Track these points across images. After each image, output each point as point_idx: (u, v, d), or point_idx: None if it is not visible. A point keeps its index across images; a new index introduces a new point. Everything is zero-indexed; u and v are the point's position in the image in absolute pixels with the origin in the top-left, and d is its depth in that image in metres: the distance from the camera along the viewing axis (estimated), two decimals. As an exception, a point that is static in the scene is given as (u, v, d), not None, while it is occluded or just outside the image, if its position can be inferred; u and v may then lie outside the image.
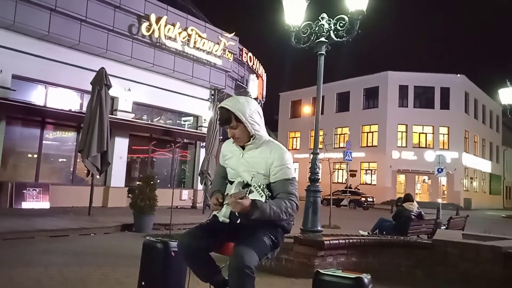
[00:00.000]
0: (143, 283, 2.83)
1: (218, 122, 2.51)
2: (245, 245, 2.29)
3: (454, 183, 35.31)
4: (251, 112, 2.50)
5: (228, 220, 2.53)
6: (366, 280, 2.02)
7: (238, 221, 2.49)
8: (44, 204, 12.17)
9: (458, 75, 36.96)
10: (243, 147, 2.60)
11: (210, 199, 2.69)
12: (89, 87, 10.79)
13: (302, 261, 5.37)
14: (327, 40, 6.80)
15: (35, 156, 13.08)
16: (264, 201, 2.26)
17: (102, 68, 10.76)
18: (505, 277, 5.01)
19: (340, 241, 5.55)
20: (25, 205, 11.78)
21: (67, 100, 13.64)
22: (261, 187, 2.24)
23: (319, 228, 6.70)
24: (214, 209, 2.60)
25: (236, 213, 2.45)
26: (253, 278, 2.23)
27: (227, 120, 2.49)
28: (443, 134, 36.22)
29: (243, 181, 2.54)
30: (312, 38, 6.88)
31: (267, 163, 2.48)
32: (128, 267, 4.97)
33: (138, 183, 11.33)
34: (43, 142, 13.19)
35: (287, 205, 2.39)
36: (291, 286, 4.82)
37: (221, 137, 14.05)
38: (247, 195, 2.33)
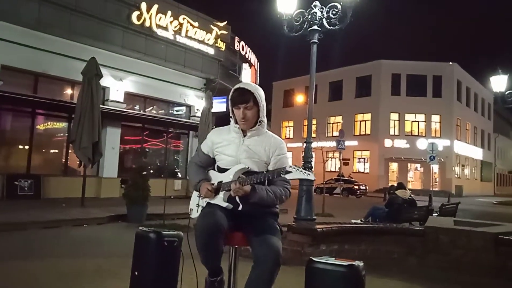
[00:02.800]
0: (136, 273, 2.82)
1: (231, 100, 2.51)
2: (271, 234, 2.38)
3: (446, 170, 35.63)
4: (263, 98, 2.65)
5: (231, 206, 2.53)
6: (359, 267, 2.03)
7: (240, 208, 2.51)
8: (37, 196, 12.10)
9: (450, 63, 37.07)
10: (243, 134, 2.62)
11: (199, 188, 2.66)
12: (80, 77, 10.66)
13: (295, 249, 5.41)
14: (319, 28, 6.77)
15: (27, 147, 12.96)
16: (307, 178, 2.31)
17: (93, 58, 10.63)
18: (496, 262, 5.09)
19: (333, 229, 5.59)
20: (17, 197, 11.69)
21: (57, 91, 13.49)
22: (300, 167, 2.28)
23: (312, 216, 6.73)
24: (207, 195, 2.59)
25: (237, 199, 2.48)
26: (280, 267, 2.32)
27: (246, 100, 2.55)
28: (435, 122, 36.44)
29: (247, 167, 2.54)
30: (304, 26, 6.85)
31: (269, 151, 2.58)
32: (122, 257, 4.95)
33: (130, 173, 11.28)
34: (34, 133, 13.05)
35: (281, 192, 2.49)
36: (284, 274, 4.81)
37: (214, 126, 14.00)
38: (260, 180, 2.38)
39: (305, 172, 2.23)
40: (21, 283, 4.05)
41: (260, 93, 2.60)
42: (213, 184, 2.62)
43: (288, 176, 2.32)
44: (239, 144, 2.62)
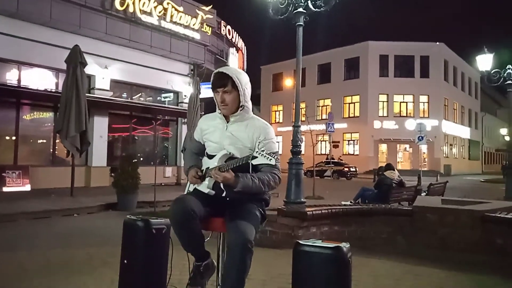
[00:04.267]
0: (125, 261, 2.82)
1: (211, 85, 2.48)
2: (243, 220, 2.32)
3: (435, 150, 36.02)
4: (246, 83, 2.56)
5: (213, 192, 2.53)
6: (345, 249, 2.04)
7: (224, 194, 2.50)
8: (25, 187, 12.00)
9: (437, 43, 37.15)
10: (227, 120, 2.59)
11: (187, 174, 2.68)
12: (64, 66, 10.49)
13: (286, 232, 5.45)
14: (305, 11, 6.71)
15: (13, 138, 12.80)
16: (273, 164, 2.30)
17: (76, 45, 10.43)
18: (483, 239, 5.18)
19: (323, 211, 5.62)
20: (5, 188, 11.59)
21: (42, 80, 13.27)
22: (266, 152, 2.24)
23: (302, 199, 6.78)
24: (193, 181, 2.60)
25: (222, 186, 2.47)
26: (252, 252, 2.26)
27: (224, 84, 2.50)
28: (423, 103, 36.67)
29: (229, 153, 2.53)
30: (290, 8, 6.79)
31: (253, 137, 2.51)
32: (113, 246, 4.93)
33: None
34: (20, 123, 12.87)
35: (269, 178, 2.44)
36: (275, 257, 4.88)
37: (202, 113, 13.93)
38: (234, 165, 2.36)
39: (267, 157, 2.21)
40: (8, 274, 4.02)
41: (240, 77, 2.52)
42: (202, 170, 2.63)
43: (254, 162, 2.29)
44: (223, 130, 2.61)
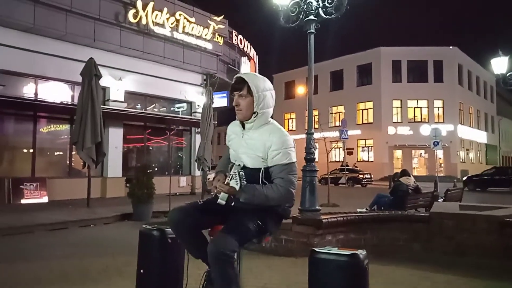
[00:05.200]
0: (141, 271, 2.84)
1: (230, 87, 2.55)
2: (225, 231, 2.32)
3: (451, 155, 35.50)
4: (264, 89, 2.50)
5: (223, 202, 2.52)
6: (361, 256, 2.02)
7: (233, 204, 2.48)
8: (43, 199, 12.17)
9: (451, 47, 36.80)
10: (243, 127, 2.57)
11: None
12: (79, 78, 10.64)
13: (301, 240, 5.42)
14: (316, 18, 6.70)
15: (30, 150, 13.01)
16: (239, 188, 2.34)
17: (91, 58, 10.59)
18: (501, 245, 5.08)
19: (338, 219, 5.58)
20: (23, 200, 11.77)
21: (58, 93, 13.50)
22: (240, 175, 2.31)
23: (317, 207, 6.72)
24: (215, 191, 2.58)
25: (231, 196, 2.46)
26: (231, 263, 2.24)
27: (240, 88, 2.50)
28: (438, 108, 36.25)
29: (238, 164, 2.51)
30: (301, 16, 6.78)
31: (265, 146, 2.42)
32: (128, 256, 4.97)
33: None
34: (37, 136, 13.10)
35: (272, 191, 2.35)
36: (291, 266, 4.86)
37: (216, 122, 14.00)
38: (228, 180, 2.37)
39: (236, 181, 2.34)
40: (25, 283, 4.07)
41: (257, 83, 2.48)
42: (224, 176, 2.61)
43: (231, 183, 2.35)
44: (239, 137, 2.58)
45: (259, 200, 2.34)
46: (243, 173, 2.37)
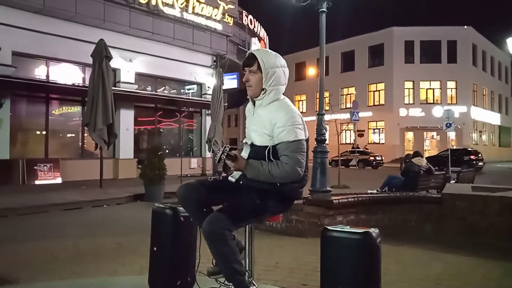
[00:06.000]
0: (154, 248, 2.88)
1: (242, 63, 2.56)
2: (220, 210, 2.34)
3: (463, 137, 35.09)
4: (274, 66, 2.45)
5: (234, 180, 2.53)
6: (374, 234, 2.01)
7: (241, 182, 2.47)
8: (56, 180, 12.35)
9: (465, 26, 36.00)
10: (254, 105, 2.55)
11: None
12: (90, 60, 10.67)
13: (312, 221, 5.44)
14: (328, -4, 6.60)
15: (43, 132, 13.16)
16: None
17: (101, 39, 10.58)
18: (514, 226, 5.04)
19: (349, 199, 5.58)
20: (37, 181, 11.96)
21: (69, 74, 13.57)
22: (227, 151, 2.33)
23: (327, 188, 6.73)
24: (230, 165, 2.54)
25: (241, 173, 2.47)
26: (224, 240, 2.25)
27: (250, 63, 2.47)
28: (451, 89, 35.70)
29: (245, 142, 2.52)
30: (312, -5, 6.68)
31: (271, 123, 2.38)
32: (141, 235, 5.03)
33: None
34: (50, 117, 13.23)
35: (278, 168, 2.30)
36: (302, 246, 4.89)
37: (226, 104, 13.97)
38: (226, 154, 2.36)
39: (218, 152, 2.34)
40: (40, 261, 4.16)
41: (267, 60, 2.43)
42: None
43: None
44: (251, 115, 2.58)
45: (264, 176, 2.32)
46: (227, 149, 2.36)
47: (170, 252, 2.80)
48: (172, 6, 15.11)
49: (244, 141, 2.56)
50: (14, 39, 11.62)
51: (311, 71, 35.67)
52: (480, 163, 24.03)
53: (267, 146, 2.40)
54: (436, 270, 4.05)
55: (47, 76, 13.09)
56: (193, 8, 15.87)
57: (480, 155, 24.72)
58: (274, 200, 2.43)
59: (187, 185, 2.54)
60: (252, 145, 2.48)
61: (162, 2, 14.77)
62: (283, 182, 2.36)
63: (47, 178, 12.24)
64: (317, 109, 6.90)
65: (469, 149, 26.03)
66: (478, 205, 5.34)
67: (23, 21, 11.85)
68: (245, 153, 2.44)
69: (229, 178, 2.54)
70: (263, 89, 2.46)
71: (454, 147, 27.18)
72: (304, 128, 2.43)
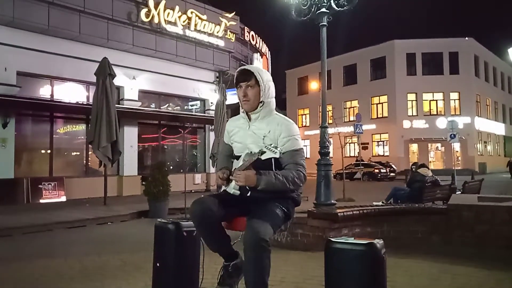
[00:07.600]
0: (158, 264, 2.86)
1: (234, 81, 2.54)
2: (258, 218, 2.29)
3: (468, 148, 34.92)
4: (267, 79, 2.60)
5: (238, 192, 2.52)
6: (378, 245, 1.99)
7: (248, 194, 2.48)
8: (61, 198, 12.36)
9: (466, 38, 36.13)
10: (249, 119, 2.60)
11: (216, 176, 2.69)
12: (93, 78, 10.78)
13: (317, 234, 5.38)
14: (328, 11, 6.64)
15: (48, 151, 13.22)
16: (278, 157, 2.37)
17: (105, 58, 10.71)
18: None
19: (354, 212, 5.52)
20: (42, 199, 11.97)
21: (73, 93, 13.70)
22: (272, 145, 2.31)
23: (332, 201, 6.68)
24: (220, 183, 2.60)
25: (246, 186, 2.45)
26: (269, 251, 2.23)
27: (247, 78, 2.56)
28: (454, 100, 35.68)
29: (251, 152, 2.52)
30: (312, 9, 6.73)
31: (274, 134, 2.51)
32: (146, 252, 4.99)
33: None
34: (54, 136, 13.31)
35: (293, 175, 2.41)
36: (307, 260, 4.83)
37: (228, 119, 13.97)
38: (249, 162, 2.36)
39: (273, 150, 2.28)
40: (45, 279, 4.13)
41: (262, 74, 2.58)
42: (231, 171, 2.61)
43: (263, 156, 2.32)
44: (246, 129, 2.62)
45: (279, 185, 2.37)
46: (275, 144, 2.41)
47: (173, 268, 2.78)
48: (174, 23, 15.30)
49: (246, 152, 2.56)
50: (19, 59, 11.79)
51: (313, 85, 35.84)
52: (392, 174, 27.44)
53: (271, 158, 2.44)
54: (445, 282, 3.98)
55: (52, 95, 13.21)
56: (195, 25, 16.05)
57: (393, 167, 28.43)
58: (292, 206, 2.57)
59: (201, 202, 2.48)
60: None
61: (165, 20, 14.96)
62: (293, 189, 2.49)
63: (52, 196, 12.25)
64: (320, 123, 6.89)
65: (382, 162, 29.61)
66: (485, 215, 5.27)
67: (28, 41, 12.02)
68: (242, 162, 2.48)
69: (232, 191, 2.54)
70: (261, 102, 2.56)
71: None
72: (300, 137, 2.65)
